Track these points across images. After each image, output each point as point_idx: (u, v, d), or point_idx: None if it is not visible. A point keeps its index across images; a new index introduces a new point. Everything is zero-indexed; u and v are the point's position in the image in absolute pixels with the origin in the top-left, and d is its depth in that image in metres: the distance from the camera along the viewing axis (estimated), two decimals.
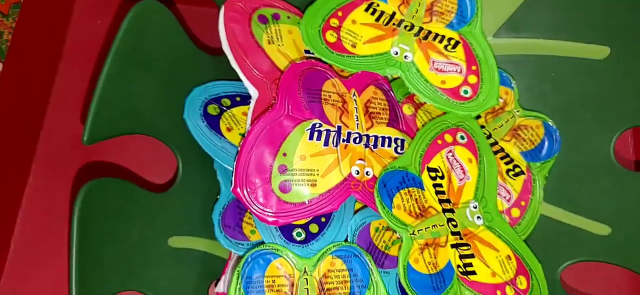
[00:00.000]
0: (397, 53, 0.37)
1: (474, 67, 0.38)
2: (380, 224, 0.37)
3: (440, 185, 0.36)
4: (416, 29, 0.38)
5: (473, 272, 0.35)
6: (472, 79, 0.37)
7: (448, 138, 0.37)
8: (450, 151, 0.37)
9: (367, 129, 0.36)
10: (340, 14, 0.38)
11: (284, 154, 0.34)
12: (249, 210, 0.34)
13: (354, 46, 0.37)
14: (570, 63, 0.41)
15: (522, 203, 0.38)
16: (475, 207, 0.36)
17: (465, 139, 0.37)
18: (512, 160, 0.39)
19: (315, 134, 0.35)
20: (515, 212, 0.38)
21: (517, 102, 0.41)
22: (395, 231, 0.35)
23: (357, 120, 0.36)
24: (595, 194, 0.40)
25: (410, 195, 0.35)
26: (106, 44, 0.45)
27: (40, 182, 0.42)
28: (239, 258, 0.35)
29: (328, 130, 0.35)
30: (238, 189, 0.33)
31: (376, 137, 0.36)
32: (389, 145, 0.37)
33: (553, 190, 0.40)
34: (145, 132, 0.37)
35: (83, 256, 0.32)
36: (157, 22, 0.37)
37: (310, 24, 0.37)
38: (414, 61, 0.37)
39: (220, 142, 0.37)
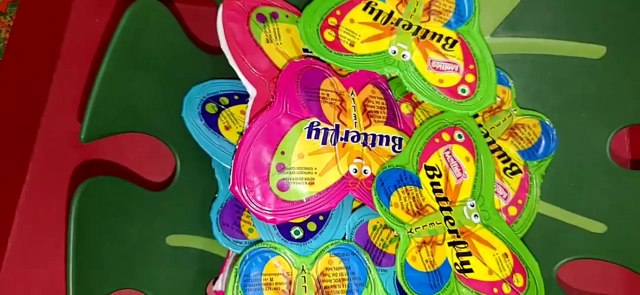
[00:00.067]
0: (395, 52, 0.37)
1: (471, 66, 0.38)
2: (378, 222, 0.37)
3: (438, 184, 0.36)
4: (414, 28, 0.38)
5: (470, 270, 0.35)
6: (470, 77, 0.37)
7: (445, 136, 0.37)
8: (447, 150, 0.37)
9: (365, 128, 0.37)
10: (338, 12, 0.38)
11: (282, 153, 0.34)
12: (247, 209, 0.34)
13: (352, 45, 0.37)
14: (567, 62, 0.41)
15: (519, 201, 0.39)
16: (472, 205, 0.36)
17: (463, 138, 0.38)
18: (509, 159, 0.39)
19: (314, 132, 0.35)
20: (512, 210, 0.38)
21: (514, 101, 0.41)
22: (392, 229, 0.35)
23: (355, 119, 0.36)
24: (592, 192, 0.40)
25: (408, 194, 0.35)
26: (104, 42, 0.44)
27: (38, 180, 0.42)
28: (237, 256, 0.35)
29: (326, 129, 0.35)
30: (236, 187, 0.33)
31: (374, 136, 0.37)
32: (387, 144, 0.37)
33: (550, 189, 0.40)
34: (143, 131, 0.37)
35: (80, 255, 0.32)
36: (155, 21, 0.37)
37: (308, 23, 0.37)
38: (412, 60, 0.37)
39: (218, 140, 0.37)
